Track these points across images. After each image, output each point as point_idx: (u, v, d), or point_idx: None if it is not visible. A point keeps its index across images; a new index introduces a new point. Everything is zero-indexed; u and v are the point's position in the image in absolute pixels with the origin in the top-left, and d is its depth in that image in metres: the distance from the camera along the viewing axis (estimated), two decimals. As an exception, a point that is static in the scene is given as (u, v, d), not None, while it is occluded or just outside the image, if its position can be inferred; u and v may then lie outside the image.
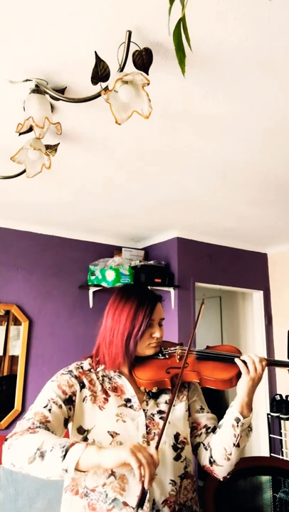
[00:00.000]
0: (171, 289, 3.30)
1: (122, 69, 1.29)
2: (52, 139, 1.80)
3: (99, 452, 0.94)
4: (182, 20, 0.86)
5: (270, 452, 3.48)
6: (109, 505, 1.05)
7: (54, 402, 1.12)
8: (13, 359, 3.02)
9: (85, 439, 1.11)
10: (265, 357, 1.25)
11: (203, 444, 1.24)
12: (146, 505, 1.05)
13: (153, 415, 1.17)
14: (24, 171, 1.80)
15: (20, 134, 1.62)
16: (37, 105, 1.43)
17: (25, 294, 3.15)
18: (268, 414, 3.53)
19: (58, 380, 1.18)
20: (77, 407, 1.15)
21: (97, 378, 1.22)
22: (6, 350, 3.00)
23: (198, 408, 1.29)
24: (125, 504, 1.05)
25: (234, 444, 1.16)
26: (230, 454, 1.16)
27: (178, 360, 1.24)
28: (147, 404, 1.19)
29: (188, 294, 3.36)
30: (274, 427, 3.56)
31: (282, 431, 3.53)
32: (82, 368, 1.24)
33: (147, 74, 1.28)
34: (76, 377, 1.19)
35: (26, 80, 1.44)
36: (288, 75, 1.45)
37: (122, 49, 1.25)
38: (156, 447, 1.00)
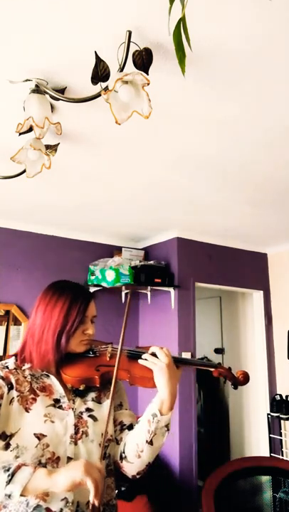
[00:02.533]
0: (171, 289, 3.30)
1: (122, 69, 1.29)
2: (52, 139, 1.80)
3: (49, 477, 0.91)
4: (182, 20, 0.86)
5: (270, 452, 3.48)
6: None
7: None
8: (13, 359, 3.02)
9: (7, 445, 1.03)
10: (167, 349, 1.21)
11: (116, 439, 1.21)
12: (70, 507, 1.01)
13: (81, 413, 1.14)
14: (24, 171, 1.80)
15: (20, 134, 1.62)
16: (37, 105, 1.43)
17: (25, 294, 3.15)
18: (268, 414, 3.53)
19: None
20: (3, 411, 1.06)
21: (25, 377, 1.15)
22: (6, 350, 3.00)
23: (117, 404, 1.27)
24: (48, 510, 1.00)
25: (147, 441, 1.12)
26: (142, 451, 1.13)
27: (108, 359, 1.22)
28: (74, 403, 1.16)
29: (188, 294, 3.36)
30: (274, 427, 3.56)
31: (282, 431, 3.53)
32: (7, 367, 1.16)
33: (147, 74, 1.28)
34: (3, 378, 1.11)
35: (26, 80, 1.44)
36: (288, 74, 1.45)
37: (122, 49, 1.25)
38: (101, 458, 1.01)
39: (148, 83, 1.26)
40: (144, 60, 1.27)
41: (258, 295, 3.92)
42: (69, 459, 1.05)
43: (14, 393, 1.10)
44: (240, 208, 2.86)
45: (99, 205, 2.84)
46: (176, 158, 2.11)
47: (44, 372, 1.19)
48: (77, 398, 1.18)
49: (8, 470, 0.91)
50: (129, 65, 1.27)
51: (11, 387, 1.10)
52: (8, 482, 0.89)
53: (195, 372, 3.25)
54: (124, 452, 1.17)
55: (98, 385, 1.18)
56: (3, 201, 2.74)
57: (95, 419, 1.15)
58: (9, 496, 0.90)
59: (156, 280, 3.25)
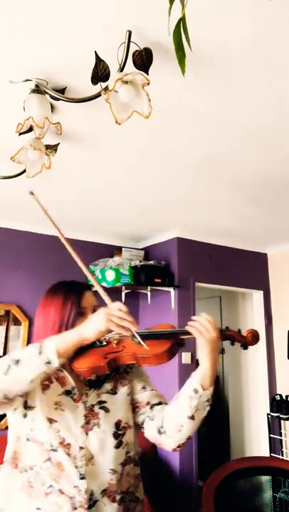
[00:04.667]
0: (171, 289, 3.29)
1: (122, 69, 1.29)
2: (52, 139, 1.80)
3: (75, 330, 1.02)
4: (182, 20, 0.86)
5: (270, 452, 3.48)
6: (47, 489, 1.04)
7: None
8: (13, 359, 3.02)
9: (25, 415, 1.11)
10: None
11: (149, 417, 1.21)
12: (84, 496, 1.03)
13: (93, 406, 1.15)
14: (24, 171, 1.80)
15: (20, 134, 1.62)
16: (37, 105, 1.43)
17: (25, 294, 3.15)
18: (268, 414, 3.53)
19: None
20: None
21: None
22: (6, 350, 3.00)
23: (140, 388, 1.26)
24: (61, 492, 1.03)
25: (188, 416, 1.13)
26: (182, 426, 1.14)
27: (115, 345, 1.21)
28: (87, 396, 1.16)
29: (188, 294, 3.36)
30: (274, 427, 3.55)
31: (282, 431, 3.53)
32: None
33: (147, 74, 1.28)
34: None
35: (26, 80, 1.44)
36: (288, 74, 1.45)
37: (122, 49, 1.25)
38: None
39: (148, 83, 1.26)
40: (144, 60, 1.27)
41: (258, 295, 3.92)
42: (81, 448, 1.07)
43: None
44: (241, 208, 2.86)
45: (99, 205, 2.84)
46: (176, 158, 2.10)
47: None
48: (92, 391, 1.18)
49: (35, 345, 1.01)
50: (129, 65, 1.27)
51: None
52: (40, 353, 1.00)
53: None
54: (162, 427, 1.17)
55: (108, 372, 1.17)
56: (3, 201, 2.74)
57: (107, 410, 1.15)
58: (49, 362, 0.99)
59: (156, 280, 3.25)
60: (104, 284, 3.19)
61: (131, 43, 1.23)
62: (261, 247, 3.95)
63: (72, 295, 1.23)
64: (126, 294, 3.45)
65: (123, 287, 3.27)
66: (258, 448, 3.66)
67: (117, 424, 1.15)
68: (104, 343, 1.23)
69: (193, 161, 2.14)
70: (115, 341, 1.22)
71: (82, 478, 1.04)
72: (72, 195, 2.63)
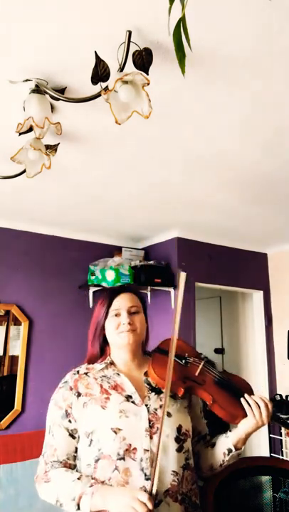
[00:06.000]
0: (171, 289, 3.29)
1: (122, 69, 1.29)
2: (52, 139, 1.80)
3: (104, 502, 1.06)
4: (182, 20, 0.86)
5: (270, 452, 3.48)
6: None
7: (54, 425, 1.23)
8: (13, 359, 3.02)
9: (91, 442, 1.16)
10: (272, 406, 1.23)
11: (193, 450, 1.27)
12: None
13: (156, 410, 1.20)
14: (24, 171, 1.80)
15: (20, 134, 1.62)
16: (37, 105, 1.43)
17: (25, 294, 3.15)
18: (268, 414, 3.53)
19: (55, 398, 1.26)
20: (78, 416, 1.21)
21: (95, 379, 1.25)
22: (6, 350, 3.00)
23: (198, 413, 1.34)
24: None
25: (220, 465, 1.25)
26: (216, 470, 1.27)
27: (196, 374, 1.25)
28: (149, 399, 1.22)
29: (188, 294, 3.36)
30: (274, 426, 3.55)
31: (282, 431, 3.53)
32: (78, 372, 1.29)
33: (147, 74, 1.28)
34: (71, 388, 1.24)
35: (26, 80, 1.44)
36: (288, 74, 1.45)
37: (122, 49, 1.25)
38: (150, 493, 1.05)
39: (148, 83, 1.26)
40: (144, 60, 1.27)
41: (258, 295, 3.92)
42: (145, 451, 1.12)
43: (84, 399, 1.21)
44: (241, 207, 2.86)
45: (99, 205, 2.84)
46: (176, 158, 2.10)
47: (115, 371, 1.28)
48: (153, 394, 1.24)
49: (73, 500, 1.09)
50: (129, 65, 1.27)
51: (78, 395, 1.22)
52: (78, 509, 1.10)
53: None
54: (198, 465, 1.29)
55: (179, 395, 1.21)
56: (3, 201, 2.74)
57: (169, 414, 1.20)
58: None
59: (156, 280, 3.25)
60: (104, 284, 3.19)
61: (131, 43, 1.23)
62: (261, 247, 3.94)
63: (106, 299, 1.33)
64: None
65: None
66: (258, 448, 3.66)
67: (179, 429, 1.20)
68: (188, 365, 1.28)
69: (193, 161, 2.14)
70: (199, 370, 1.26)
71: (148, 479, 1.10)
72: (72, 195, 2.63)
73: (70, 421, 1.21)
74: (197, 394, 1.25)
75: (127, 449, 1.12)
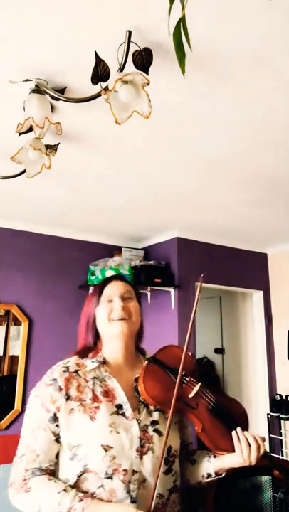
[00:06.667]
0: (171, 289, 3.29)
1: (122, 69, 1.29)
2: (52, 139, 1.80)
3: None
4: (182, 20, 0.86)
5: (270, 452, 3.48)
6: None
7: (39, 427, 1.09)
8: (13, 359, 3.02)
9: (74, 455, 1.06)
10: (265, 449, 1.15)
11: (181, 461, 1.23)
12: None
13: (146, 427, 1.10)
14: (24, 171, 1.80)
15: (20, 134, 1.62)
16: (37, 105, 1.43)
17: (25, 294, 3.15)
18: (268, 414, 3.53)
19: (42, 396, 1.12)
20: (64, 422, 1.08)
21: (86, 381, 1.13)
22: (6, 350, 3.00)
23: (186, 422, 1.26)
24: None
25: (197, 483, 1.20)
26: (191, 484, 1.22)
27: (190, 396, 1.16)
28: (139, 413, 1.12)
29: (188, 294, 3.36)
30: (274, 427, 3.55)
31: (282, 431, 3.53)
32: (68, 369, 1.15)
33: (147, 74, 1.28)
34: (60, 388, 1.10)
35: (26, 80, 1.44)
36: (288, 74, 1.45)
37: (122, 49, 1.25)
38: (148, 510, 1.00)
39: (148, 83, 1.26)
40: (144, 60, 1.27)
41: (258, 295, 3.92)
42: (134, 472, 1.04)
43: (73, 404, 1.09)
44: (241, 207, 2.86)
45: (99, 205, 2.84)
46: (176, 158, 2.10)
47: (108, 373, 1.17)
48: (143, 406, 1.14)
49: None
50: (129, 65, 1.27)
51: (68, 398, 1.09)
52: None
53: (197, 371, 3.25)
54: (183, 475, 1.22)
55: (166, 416, 1.12)
56: (3, 201, 2.74)
57: (160, 433, 1.11)
58: None
59: (156, 280, 3.25)
60: (104, 284, 3.19)
61: (131, 43, 1.23)
62: (261, 247, 3.94)
63: (96, 288, 1.27)
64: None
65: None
66: (258, 448, 3.66)
67: (168, 450, 1.11)
68: (184, 385, 1.18)
69: (193, 161, 2.14)
70: (193, 393, 1.17)
71: (134, 501, 1.02)
72: (72, 195, 2.63)
73: (57, 425, 1.09)
74: (187, 417, 1.18)
75: (116, 469, 1.03)
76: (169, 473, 1.10)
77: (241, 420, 1.21)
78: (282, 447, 3.53)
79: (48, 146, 1.79)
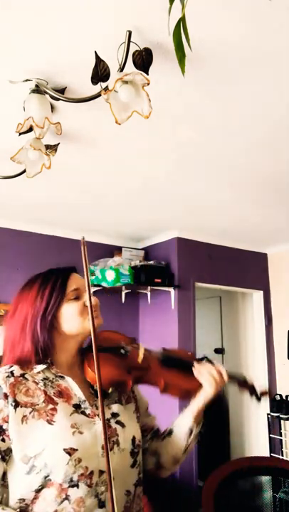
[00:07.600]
0: (171, 289, 3.29)
1: (122, 69, 1.29)
2: (52, 139, 1.80)
3: None
4: (182, 20, 0.86)
5: (270, 452, 3.48)
6: None
7: None
8: (13, 359, 3.01)
9: (32, 468, 0.91)
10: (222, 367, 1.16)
11: (148, 450, 1.17)
12: None
13: (109, 420, 1.02)
14: (24, 171, 1.80)
15: (20, 134, 1.62)
16: (37, 105, 1.43)
17: (25, 294, 3.14)
18: (267, 414, 3.53)
19: None
20: (15, 434, 0.92)
21: (36, 383, 0.99)
22: (6, 350, 2.99)
23: (145, 409, 1.20)
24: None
25: (185, 451, 1.14)
26: (179, 460, 1.16)
27: (140, 360, 1.12)
28: (97, 408, 1.02)
29: (188, 294, 3.36)
30: (274, 427, 3.55)
31: (282, 431, 3.53)
32: (12, 374, 0.99)
33: (147, 74, 1.28)
34: (6, 395, 0.95)
35: (26, 80, 1.44)
36: (288, 74, 1.45)
37: (122, 49, 1.25)
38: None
39: (148, 83, 1.26)
40: (144, 60, 1.27)
41: (258, 295, 3.92)
42: (101, 472, 0.94)
43: (24, 410, 0.94)
44: (241, 207, 2.86)
45: (99, 205, 2.84)
46: (176, 158, 2.10)
47: (58, 374, 1.04)
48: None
49: None
50: (129, 65, 1.27)
51: (16, 405, 0.94)
52: None
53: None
54: (159, 462, 1.17)
55: (128, 390, 1.10)
56: (3, 201, 2.74)
57: (122, 425, 1.04)
58: None
59: (156, 280, 3.25)
60: (105, 284, 3.19)
61: (131, 43, 1.23)
62: (261, 247, 3.95)
63: (51, 280, 1.13)
64: (126, 294, 3.45)
65: (123, 287, 3.28)
66: (258, 448, 3.66)
67: (133, 441, 1.04)
68: (127, 354, 1.12)
69: (194, 162, 2.14)
70: (141, 356, 1.13)
71: (102, 506, 0.92)
72: (72, 195, 2.63)
73: (3, 440, 0.92)
74: (147, 382, 1.13)
75: (82, 474, 0.91)
76: (134, 465, 1.03)
77: (192, 358, 1.21)
78: (282, 447, 3.53)
79: (48, 146, 1.79)
